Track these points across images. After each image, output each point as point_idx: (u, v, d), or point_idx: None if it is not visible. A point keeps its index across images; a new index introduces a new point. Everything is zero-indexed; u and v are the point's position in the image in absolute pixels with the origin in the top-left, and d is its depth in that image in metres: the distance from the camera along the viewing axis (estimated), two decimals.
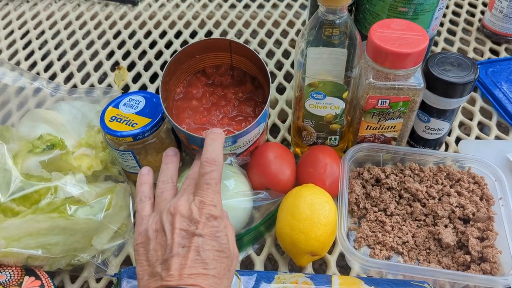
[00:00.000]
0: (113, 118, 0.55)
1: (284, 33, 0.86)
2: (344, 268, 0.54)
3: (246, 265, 0.54)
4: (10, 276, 0.47)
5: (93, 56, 0.81)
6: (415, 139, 0.61)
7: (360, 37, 0.51)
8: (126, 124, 0.54)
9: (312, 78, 0.53)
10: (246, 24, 0.88)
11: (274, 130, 0.69)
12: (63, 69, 0.78)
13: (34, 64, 0.79)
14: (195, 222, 0.39)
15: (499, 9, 0.78)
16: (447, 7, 0.90)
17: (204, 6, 0.93)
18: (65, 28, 0.86)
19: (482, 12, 0.88)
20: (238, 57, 0.60)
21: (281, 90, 0.75)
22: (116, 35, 0.85)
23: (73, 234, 0.48)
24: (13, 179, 0.47)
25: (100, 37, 0.84)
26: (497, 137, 0.67)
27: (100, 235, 0.49)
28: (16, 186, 0.47)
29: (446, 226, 0.53)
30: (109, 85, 0.75)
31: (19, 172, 0.48)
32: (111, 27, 0.87)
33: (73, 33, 0.85)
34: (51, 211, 0.46)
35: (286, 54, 0.81)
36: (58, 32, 0.85)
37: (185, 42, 0.83)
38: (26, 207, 0.46)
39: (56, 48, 0.82)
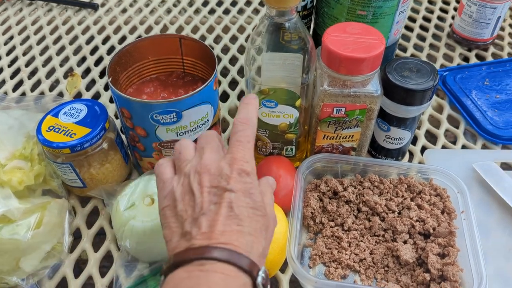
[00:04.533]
0: (51, 128, 0.51)
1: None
2: (299, 287, 0.50)
3: None
4: None
5: (46, 62, 0.77)
6: (376, 149, 0.58)
7: (312, 41, 0.48)
8: (64, 134, 0.50)
9: (266, 85, 0.50)
10: (210, 29, 0.85)
11: None
12: (13, 75, 0.74)
13: None
14: (226, 178, 0.36)
15: (468, 13, 0.75)
16: (417, 12, 0.88)
17: (168, 11, 0.89)
18: (19, 33, 0.82)
19: (454, 17, 0.86)
20: (189, 59, 0.57)
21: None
22: (72, 41, 0.81)
23: None
24: None
25: (55, 42, 0.80)
26: (464, 146, 0.64)
27: (29, 256, 0.45)
28: None
29: (405, 242, 0.50)
30: (61, 93, 0.71)
31: None
32: (68, 32, 0.83)
33: (27, 38, 0.81)
34: None
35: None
36: (11, 38, 0.81)
37: None
38: None
39: (8, 54, 0.78)
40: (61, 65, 0.76)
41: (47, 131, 0.51)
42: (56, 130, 0.51)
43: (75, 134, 0.50)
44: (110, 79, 0.50)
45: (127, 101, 0.48)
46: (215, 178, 0.36)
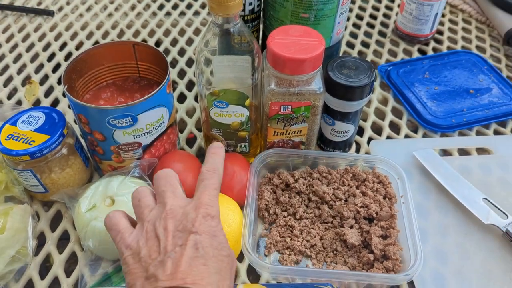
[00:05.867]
0: (10, 136, 0.53)
1: None
2: (256, 275, 0.54)
3: None
4: None
5: (3, 70, 0.77)
6: (324, 142, 0.62)
7: (257, 44, 0.52)
8: (23, 142, 0.52)
9: (217, 87, 0.53)
10: (166, 32, 0.87)
11: (192, 140, 0.68)
12: None
13: None
14: (191, 221, 0.37)
15: (409, 11, 0.81)
16: (364, 10, 0.93)
17: (124, 15, 0.91)
18: None
19: (397, 14, 0.91)
20: (144, 64, 0.60)
21: None
22: (29, 48, 0.82)
23: None
24: None
25: (11, 50, 0.81)
26: (406, 136, 0.69)
27: None
28: None
29: (351, 227, 0.54)
30: (19, 101, 0.72)
31: None
32: (24, 39, 0.83)
33: None
34: None
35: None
36: None
37: None
38: None
39: None
40: (18, 73, 0.77)
41: (6, 139, 0.52)
42: (15, 138, 0.52)
43: (34, 141, 0.52)
44: (66, 86, 0.52)
45: (83, 108, 0.50)
46: (180, 222, 0.37)
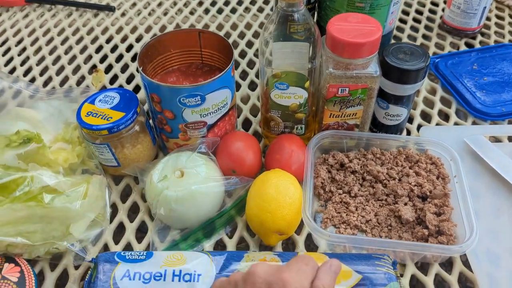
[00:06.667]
0: (89, 113, 0.58)
1: (256, 34, 0.90)
2: (312, 248, 0.57)
3: (219, 248, 0.57)
4: None
5: (71, 60, 0.83)
6: (377, 126, 0.65)
7: (318, 30, 0.55)
8: (101, 118, 0.57)
9: (277, 69, 0.56)
10: (220, 27, 0.92)
11: (247, 124, 0.72)
12: (42, 73, 0.81)
13: (13, 70, 0.82)
14: None
15: (457, 5, 0.82)
16: (410, 6, 0.95)
17: (179, 11, 0.96)
18: (44, 35, 0.89)
19: (443, 10, 0.93)
20: (207, 51, 0.64)
21: (253, 87, 0.79)
22: (93, 40, 0.88)
23: (50, 222, 0.50)
24: None
25: (78, 42, 0.87)
26: (456, 124, 0.70)
27: (78, 223, 0.52)
28: None
29: (405, 204, 0.56)
30: (87, 87, 0.77)
31: None
32: (88, 33, 0.90)
33: (51, 39, 0.88)
34: (28, 200, 0.48)
35: (257, 54, 0.84)
36: (36, 39, 0.88)
37: None
38: (4, 196, 0.49)
39: (35, 54, 0.85)
40: (85, 63, 0.82)
41: (86, 116, 0.57)
42: (94, 114, 0.57)
43: (111, 118, 0.57)
44: (141, 68, 0.57)
45: (157, 87, 0.55)
46: None
